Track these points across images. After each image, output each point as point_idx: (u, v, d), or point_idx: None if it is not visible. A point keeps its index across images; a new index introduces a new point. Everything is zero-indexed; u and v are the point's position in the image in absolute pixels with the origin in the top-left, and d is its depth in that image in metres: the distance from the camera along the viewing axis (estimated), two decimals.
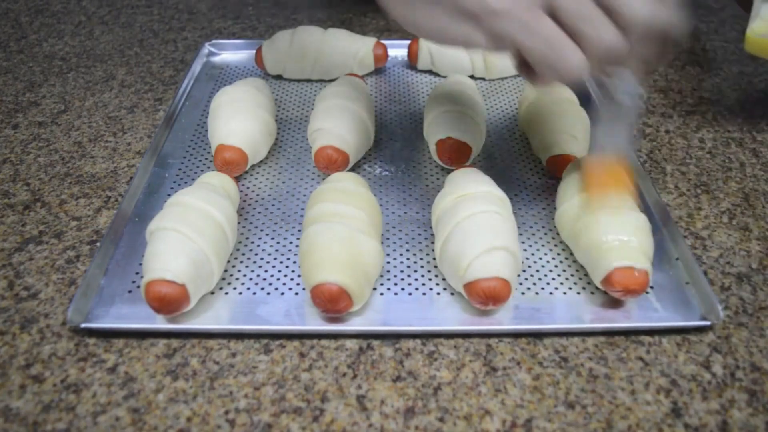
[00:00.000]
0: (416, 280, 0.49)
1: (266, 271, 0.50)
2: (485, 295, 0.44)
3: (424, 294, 0.48)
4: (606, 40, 0.38)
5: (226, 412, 0.40)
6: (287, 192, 0.58)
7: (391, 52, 0.77)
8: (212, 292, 0.48)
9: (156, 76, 0.77)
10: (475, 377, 0.42)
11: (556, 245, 0.52)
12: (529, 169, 0.61)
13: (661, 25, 0.39)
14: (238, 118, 0.59)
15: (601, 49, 0.39)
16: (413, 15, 0.42)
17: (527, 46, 0.39)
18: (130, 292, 0.48)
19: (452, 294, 0.48)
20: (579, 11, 0.38)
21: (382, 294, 0.48)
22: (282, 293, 0.48)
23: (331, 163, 0.57)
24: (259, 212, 0.56)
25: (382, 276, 0.49)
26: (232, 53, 0.80)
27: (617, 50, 0.39)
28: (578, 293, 0.48)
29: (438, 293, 0.48)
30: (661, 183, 0.60)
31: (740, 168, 0.62)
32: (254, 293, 0.48)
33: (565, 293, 0.48)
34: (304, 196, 0.58)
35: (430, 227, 0.53)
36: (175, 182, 0.59)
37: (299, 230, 0.54)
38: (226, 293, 0.48)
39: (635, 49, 0.40)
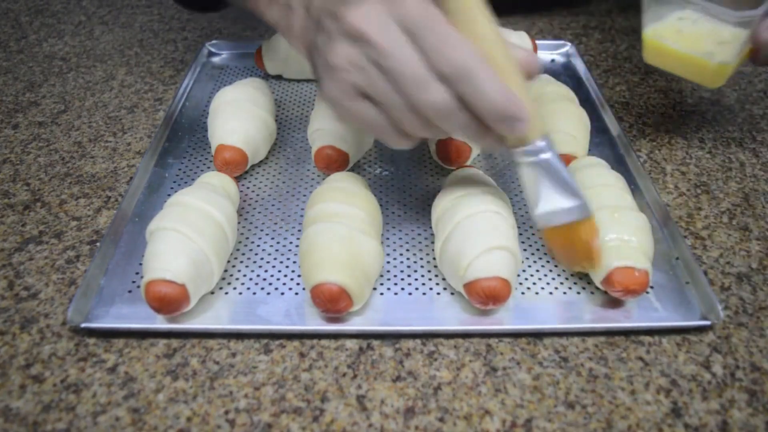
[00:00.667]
0: (416, 280, 0.49)
1: (266, 271, 0.50)
2: (485, 295, 0.44)
3: (424, 294, 0.48)
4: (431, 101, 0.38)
5: (226, 412, 0.40)
6: (287, 192, 0.58)
7: None
8: (212, 292, 0.48)
9: (156, 76, 0.77)
10: (475, 377, 0.42)
11: None
12: None
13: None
14: (238, 118, 0.59)
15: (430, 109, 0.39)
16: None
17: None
18: (130, 292, 0.48)
19: (452, 294, 0.48)
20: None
21: (382, 294, 0.48)
22: (282, 293, 0.48)
23: (331, 163, 0.57)
24: (259, 212, 0.56)
25: (382, 276, 0.49)
26: (232, 53, 0.80)
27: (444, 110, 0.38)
28: (578, 293, 0.48)
29: (438, 293, 0.48)
30: (661, 183, 0.60)
31: (740, 168, 0.62)
32: (254, 293, 0.48)
33: (565, 293, 0.48)
34: (304, 196, 0.58)
35: (430, 227, 0.53)
36: (175, 182, 0.59)
37: (299, 230, 0.54)
38: (226, 293, 0.48)
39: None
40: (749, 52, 0.56)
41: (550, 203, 0.44)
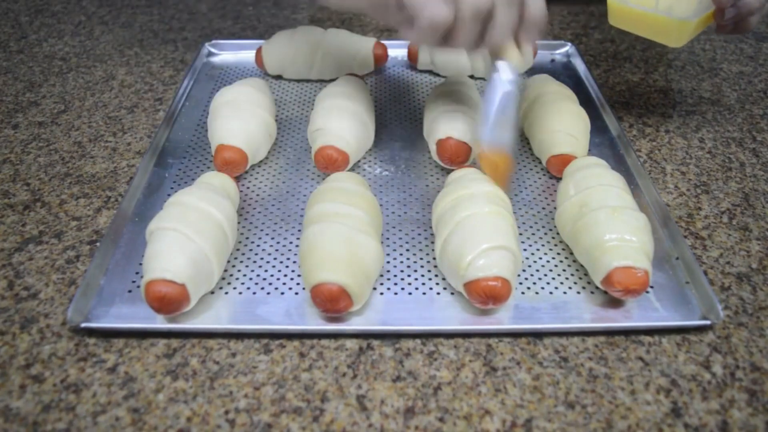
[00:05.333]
0: (416, 280, 0.49)
1: (266, 271, 0.50)
2: (485, 295, 0.44)
3: (424, 294, 0.48)
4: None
5: (226, 412, 0.40)
6: (287, 192, 0.58)
7: (391, 52, 0.77)
8: (212, 292, 0.48)
9: (156, 76, 0.77)
10: (475, 377, 0.42)
11: (556, 245, 0.52)
12: (529, 169, 0.61)
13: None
14: (238, 118, 0.59)
15: (470, 3, 0.44)
16: None
17: None
18: (130, 292, 0.48)
19: (452, 294, 0.48)
20: None
21: (382, 294, 0.48)
22: (282, 293, 0.48)
23: (331, 163, 0.57)
24: (259, 212, 0.56)
25: (382, 276, 0.49)
26: (232, 53, 0.80)
27: (485, 3, 0.44)
28: (578, 293, 0.48)
29: (438, 293, 0.48)
30: (661, 183, 0.60)
31: (740, 168, 0.62)
32: (254, 293, 0.48)
33: (565, 293, 0.48)
34: (304, 196, 0.58)
35: (430, 227, 0.53)
36: (175, 182, 0.59)
37: (299, 230, 0.54)
38: (226, 293, 0.48)
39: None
40: (713, 13, 0.57)
41: (499, 130, 0.50)
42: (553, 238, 0.53)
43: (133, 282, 0.49)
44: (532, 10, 0.47)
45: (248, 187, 0.59)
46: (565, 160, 0.57)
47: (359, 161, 0.62)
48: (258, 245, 0.52)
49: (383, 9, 0.48)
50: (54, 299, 0.48)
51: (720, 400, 0.41)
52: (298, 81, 0.75)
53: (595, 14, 0.93)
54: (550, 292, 0.48)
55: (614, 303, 0.47)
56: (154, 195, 0.58)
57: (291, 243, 0.53)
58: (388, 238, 0.53)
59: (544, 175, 0.60)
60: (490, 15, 0.45)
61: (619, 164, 0.61)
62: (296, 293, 0.48)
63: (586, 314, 0.46)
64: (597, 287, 0.48)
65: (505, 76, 0.49)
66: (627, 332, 0.45)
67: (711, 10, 0.56)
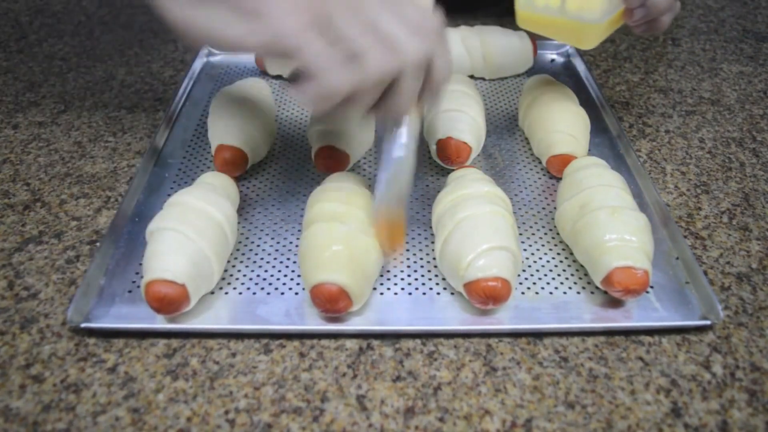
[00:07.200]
0: (416, 280, 0.49)
1: (266, 271, 0.50)
2: (485, 295, 0.44)
3: (424, 294, 0.48)
4: (381, 63, 0.39)
5: (226, 412, 0.40)
6: (287, 192, 0.58)
7: None
8: (212, 292, 0.48)
9: (156, 76, 0.77)
10: (475, 377, 0.42)
11: (556, 245, 0.52)
12: (529, 169, 0.61)
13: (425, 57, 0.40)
14: (238, 118, 0.59)
15: (375, 72, 0.39)
16: (193, 15, 0.40)
17: (305, 54, 0.38)
18: (130, 292, 0.48)
19: (452, 294, 0.48)
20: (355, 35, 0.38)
21: (382, 294, 0.48)
22: (282, 293, 0.48)
23: (331, 163, 0.57)
24: (259, 212, 0.56)
25: (382, 276, 0.49)
26: (232, 53, 0.80)
27: (390, 73, 0.39)
28: (578, 293, 0.48)
29: (438, 293, 0.48)
30: (661, 183, 0.60)
31: (740, 168, 0.62)
32: (254, 293, 0.48)
33: (565, 293, 0.48)
34: (304, 196, 0.58)
35: (430, 227, 0.53)
36: (175, 182, 0.59)
37: (299, 230, 0.54)
38: (226, 293, 0.48)
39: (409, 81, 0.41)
40: (622, 12, 0.55)
41: (391, 196, 0.47)
42: (553, 238, 0.53)
43: (133, 282, 0.49)
44: (436, 76, 0.42)
45: (248, 187, 0.59)
46: (565, 160, 0.57)
47: (359, 161, 0.62)
48: (258, 245, 0.52)
49: (279, 57, 0.41)
50: (54, 299, 0.48)
51: (720, 400, 0.41)
52: None
53: None
54: (550, 293, 0.48)
55: (614, 303, 0.47)
56: (154, 195, 0.58)
57: (291, 243, 0.53)
58: None
59: (544, 175, 0.60)
60: (394, 81, 0.41)
61: (619, 164, 0.61)
62: (296, 293, 0.48)
63: (586, 314, 0.46)
64: (597, 287, 0.48)
65: (399, 140, 0.45)
66: (627, 332, 0.45)
67: (620, 10, 0.55)
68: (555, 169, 0.59)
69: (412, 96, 0.42)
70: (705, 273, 0.50)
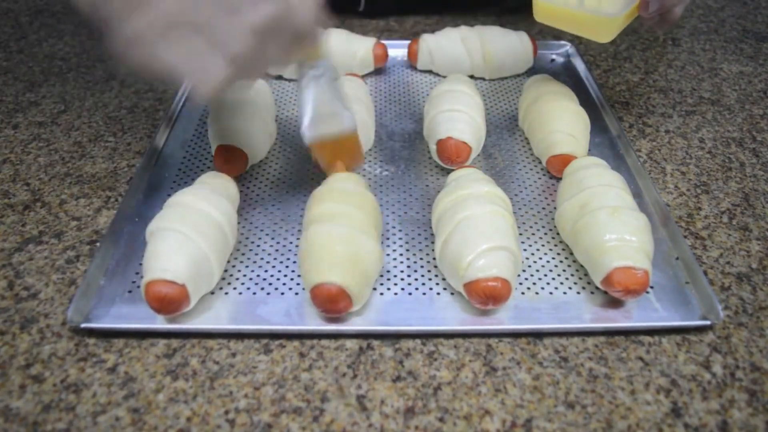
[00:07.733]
0: (416, 280, 0.49)
1: (266, 271, 0.50)
2: (485, 295, 0.44)
3: (424, 294, 0.48)
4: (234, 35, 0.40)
5: (226, 412, 0.40)
6: (287, 192, 0.58)
7: (391, 52, 0.77)
8: (212, 292, 0.48)
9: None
10: (475, 377, 0.42)
11: (556, 245, 0.52)
12: (529, 169, 0.61)
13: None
14: (238, 118, 0.59)
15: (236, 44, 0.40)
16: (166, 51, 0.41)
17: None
18: (130, 292, 0.48)
19: (452, 294, 0.48)
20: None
21: (382, 294, 0.48)
22: (282, 293, 0.48)
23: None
24: (259, 212, 0.56)
25: (382, 276, 0.49)
26: None
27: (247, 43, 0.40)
28: (578, 293, 0.48)
29: (438, 293, 0.48)
30: (661, 183, 0.60)
31: (740, 168, 0.62)
32: (254, 293, 0.48)
33: (565, 293, 0.48)
34: (304, 196, 0.57)
35: (430, 227, 0.53)
36: (175, 182, 0.59)
37: (299, 230, 0.54)
38: (226, 293, 0.48)
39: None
40: (638, 4, 0.56)
41: (317, 118, 0.51)
42: (553, 238, 0.53)
43: (133, 282, 0.49)
44: (300, 20, 0.43)
45: (248, 187, 0.59)
46: (565, 160, 0.57)
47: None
48: (258, 245, 0.52)
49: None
50: (54, 299, 0.48)
51: (720, 400, 0.41)
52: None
53: None
54: (550, 293, 0.48)
55: (614, 303, 0.47)
56: (154, 195, 0.57)
57: (291, 243, 0.53)
58: (388, 238, 0.53)
59: (544, 175, 0.60)
60: (264, 47, 0.41)
61: (619, 164, 0.61)
62: (296, 293, 0.48)
63: (586, 314, 0.46)
64: (597, 287, 0.48)
65: (311, 72, 0.50)
66: (627, 332, 0.45)
67: (636, 3, 0.56)
68: (555, 169, 0.59)
69: (282, 49, 0.43)
70: (705, 273, 0.50)
